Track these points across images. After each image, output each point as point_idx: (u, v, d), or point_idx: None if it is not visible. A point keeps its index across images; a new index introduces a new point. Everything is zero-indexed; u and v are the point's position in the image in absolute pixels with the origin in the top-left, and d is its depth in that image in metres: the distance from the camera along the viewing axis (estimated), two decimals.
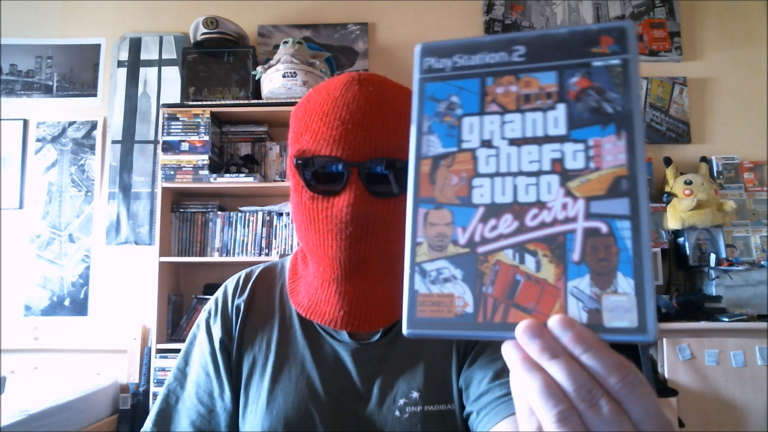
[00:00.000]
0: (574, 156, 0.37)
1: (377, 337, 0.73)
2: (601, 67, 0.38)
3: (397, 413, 0.69)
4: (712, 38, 2.97)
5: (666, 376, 2.18)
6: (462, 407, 0.72)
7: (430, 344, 0.74)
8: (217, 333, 0.76)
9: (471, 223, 0.38)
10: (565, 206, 0.36)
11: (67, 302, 2.76)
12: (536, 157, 0.38)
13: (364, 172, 0.64)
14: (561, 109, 0.38)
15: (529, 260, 0.36)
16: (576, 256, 0.35)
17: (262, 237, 2.59)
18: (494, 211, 0.38)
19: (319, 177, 0.66)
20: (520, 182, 0.38)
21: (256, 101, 2.64)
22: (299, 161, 0.67)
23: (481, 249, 0.37)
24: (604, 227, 0.35)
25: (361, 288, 0.68)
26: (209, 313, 0.78)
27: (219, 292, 0.80)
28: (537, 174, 0.38)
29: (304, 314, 0.72)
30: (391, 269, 0.71)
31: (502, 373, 0.68)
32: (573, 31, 0.39)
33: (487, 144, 0.39)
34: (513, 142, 0.39)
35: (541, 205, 0.37)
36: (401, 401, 0.70)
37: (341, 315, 0.68)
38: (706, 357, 2.18)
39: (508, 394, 0.65)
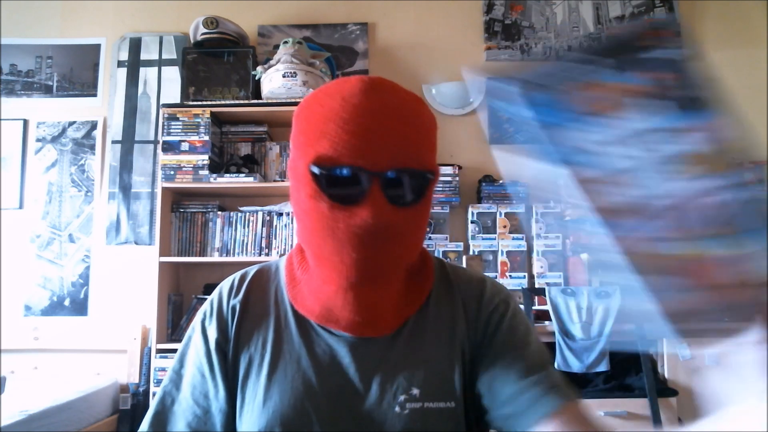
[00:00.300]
0: (699, 141, 0.38)
1: None
2: (683, 59, 0.40)
3: (397, 409, 0.69)
4: (712, 38, 2.97)
5: (666, 376, 2.18)
6: (470, 405, 0.73)
7: (432, 342, 0.75)
8: (212, 334, 0.76)
9: (647, 230, 0.39)
10: (710, 185, 0.38)
11: (67, 302, 2.76)
12: (669, 151, 0.39)
13: (385, 182, 0.64)
14: (667, 104, 0.39)
15: (706, 244, 0.37)
16: (744, 224, 0.37)
17: (262, 237, 2.59)
18: (659, 211, 0.39)
19: (340, 186, 0.65)
20: (664, 178, 0.39)
21: (256, 101, 2.64)
22: (321, 170, 0.65)
23: (667, 249, 0.39)
24: (752, 193, 0.37)
25: (376, 294, 0.69)
26: (204, 314, 0.79)
27: (214, 294, 0.80)
28: (672, 164, 0.39)
29: (315, 321, 0.72)
30: (400, 272, 0.72)
31: (530, 371, 0.70)
32: (644, 28, 0.40)
33: (621, 151, 0.40)
34: (640, 143, 0.40)
35: (696, 193, 0.38)
36: (402, 397, 0.70)
37: (358, 321, 0.69)
38: (706, 357, 2.18)
39: (545, 391, 0.68)
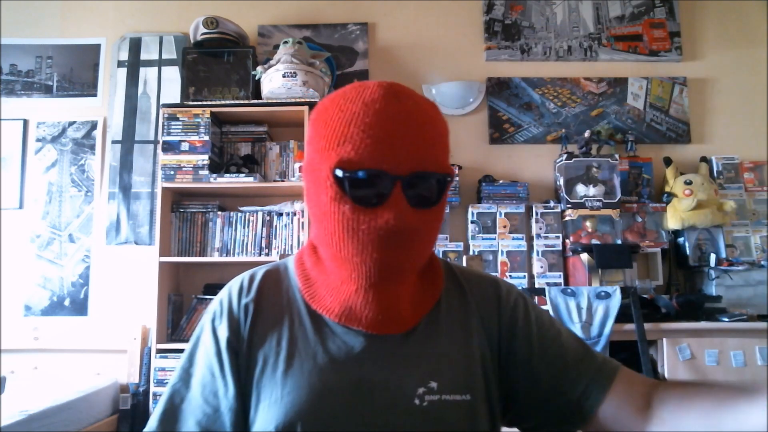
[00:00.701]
0: None
1: None
2: None
3: (416, 402, 0.70)
4: (712, 38, 2.97)
5: (666, 376, 2.18)
6: (496, 400, 0.76)
7: (446, 337, 0.76)
8: (223, 333, 0.76)
9: None
10: None
11: (67, 302, 2.76)
12: None
13: (407, 186, 0.67)
14: None
15: None
16: None
17: (262, 237, 2.59)
18: None
19: (362, 188, 0.67)
20: None
21: (256, 101, 2.64)
22: (344, 173, 0.67)
23: None
24: None
25: (395, 292, 0.71)
26: (214, 314, 0.79)
27: (223, 294, 0.81)
28: None
29: (336, 320, 0.74)
30: (416, 270, 0.75)
31: (579, 353, 0.78)
32: None
33: None
34: None
35: None
36: (420, 390, 0.71)
37: (379, 320, 0.71)
38: (706, 357, 2.18)
39: (600, 365, 0.76)
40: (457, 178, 2.70)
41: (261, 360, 0.74)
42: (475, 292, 0.82)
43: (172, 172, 2.54)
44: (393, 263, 0.69)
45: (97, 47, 2.95)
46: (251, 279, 0.81)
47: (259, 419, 0.72)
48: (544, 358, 0.77)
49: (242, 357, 0.75)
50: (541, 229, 2.67)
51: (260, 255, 2.56)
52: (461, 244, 2.67)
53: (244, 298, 0.78)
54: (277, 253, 2.56)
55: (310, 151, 0.73)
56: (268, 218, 2.61)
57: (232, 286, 0.81)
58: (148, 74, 2.91)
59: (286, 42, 2.61)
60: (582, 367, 0.76)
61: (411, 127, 0.67)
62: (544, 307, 2.28)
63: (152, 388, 2.43)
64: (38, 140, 2.88)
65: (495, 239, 2.68)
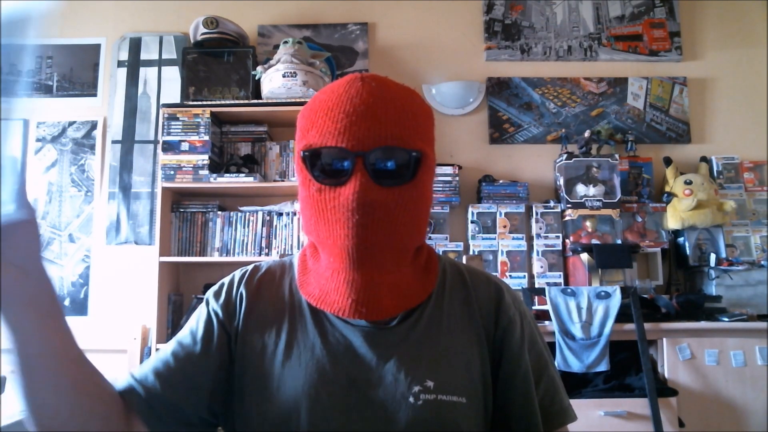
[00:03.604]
0: None
1: (395, 322, 0.75)
2: None
3: (411, 399, 0.70)
4: (712, 38, 2.97)
5: (666, 376, 2.18)
6: (485, 401, 0.76)
7: (448, 336, 0.76)
8: (218, 310, 0.78)
9: None
10: None
11: (67, 302, 2.76)
12: None
13: (369, 162, 0.68)
14: None
15: None
16: None
17: (262, 237, 2.59)
18: None
19: (326, 168, 0.70)
20: None
21: (256, 101, 2.64)
22: (306, 154, 0.70)
23: None
24: None
25: (369, 277, 0.70)
26: (212, 292, 0.82)
27: (226, 278, 0.83)
28: None
29: (314, 304, 0.74)
30: (399, 258, 0.74)
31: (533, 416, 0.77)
32: None
33: None
34: None
35: None
36: (416, 388, 0.71)
37: (349, 303, 0.70)
38: (706, 357, 2.18)
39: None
40: (457, 178, 2.70)
41: (259, 347, 0.75)
42: (479, 293, 0.81)
43: (172, 172, 2.54)
44: (362, 244, 0.68)
45: (97, 47, 2.95)
46: (255, 270, 0.83)
47: (255, 409, 0.73)
48: (509, 398, 0.76)
49: (234, 339, 0.77)
50: (541, 229, 2.67)
51: (260, 255, 2.56)
52: (461, 244, 2.67)
53: (243, 286, 0.80)
54: (277, 253, 2.56)
55: (295, 146, 0.76)
56: (268, 218, 2.61)
57: (236, 273, 0.84)
58: (148, 74, 2.91)
59: (286, 42, 2.61)
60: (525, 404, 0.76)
61: (372, 105, 0.68)
62: (543, 308, 2.29)
63: None
64: (38, 140, 2.88)
65: (495, 239, 2.68)
